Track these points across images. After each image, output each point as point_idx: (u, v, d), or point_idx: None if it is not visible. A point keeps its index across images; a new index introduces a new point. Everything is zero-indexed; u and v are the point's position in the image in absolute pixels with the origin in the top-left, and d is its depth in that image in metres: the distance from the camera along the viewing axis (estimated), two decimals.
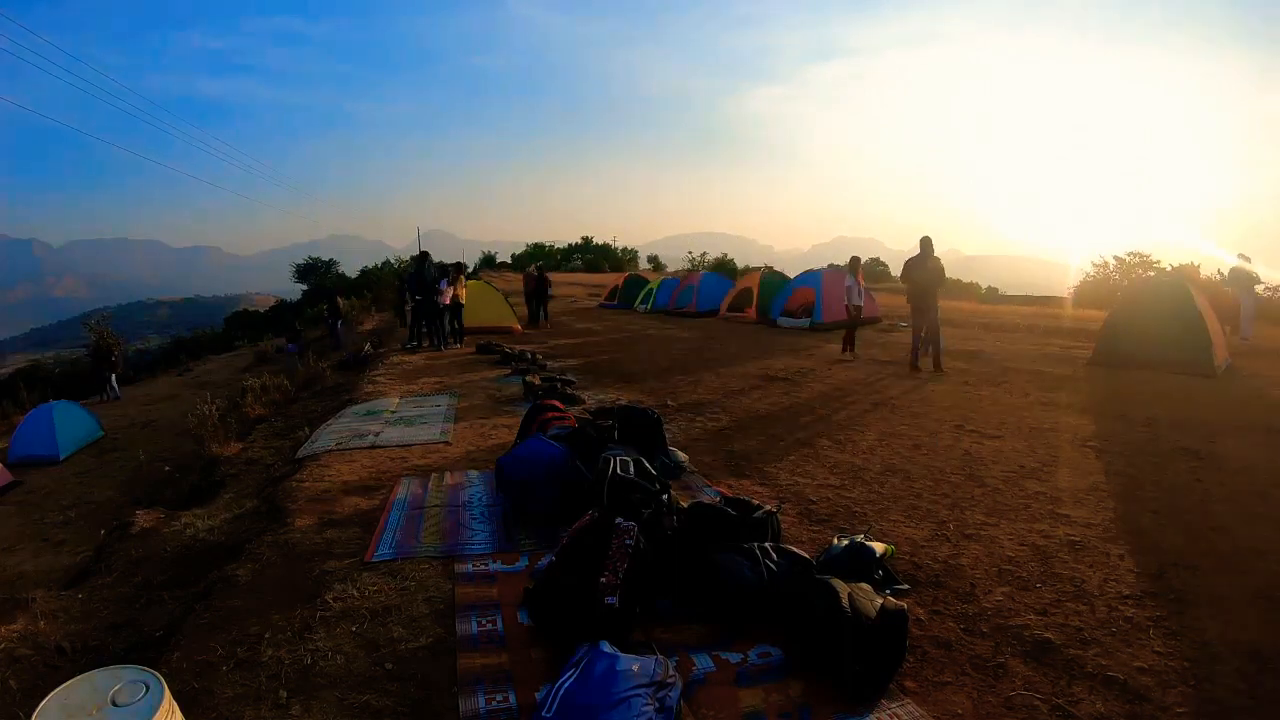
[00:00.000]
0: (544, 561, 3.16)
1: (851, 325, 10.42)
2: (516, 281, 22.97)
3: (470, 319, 13.42)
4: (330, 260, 43.45)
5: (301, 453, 5.57)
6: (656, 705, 2.09)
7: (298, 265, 42.74)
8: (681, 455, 4.94)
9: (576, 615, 2.52)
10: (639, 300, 19.82)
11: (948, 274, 10.09)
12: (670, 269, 41.73)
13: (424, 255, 12.57)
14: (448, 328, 12.11)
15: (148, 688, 1.71)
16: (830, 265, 17.94)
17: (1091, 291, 19.74)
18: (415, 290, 11.89)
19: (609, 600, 2.52)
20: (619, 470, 3.66)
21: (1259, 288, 12.79)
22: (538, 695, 2.25)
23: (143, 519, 4.70)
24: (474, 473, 4.75)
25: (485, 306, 14.35)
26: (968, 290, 26.23)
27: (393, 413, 6.75)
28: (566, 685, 2.10)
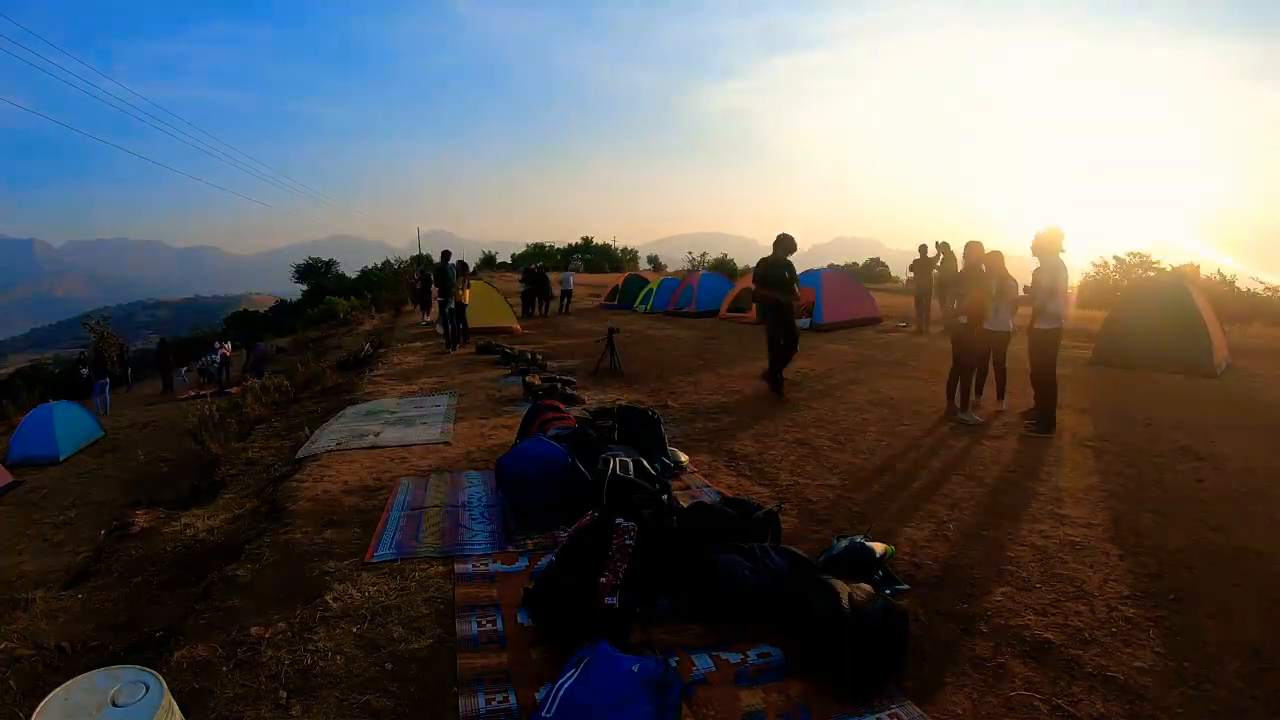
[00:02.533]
0: (544, 562, 3.17)
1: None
2: (516, 281, 23.07)
3: (470, 319, 13.51)
4: (330, 260, 43.50)
5: (301, 453, 5.57)
6: (656, 705, 2.09)
7: (298, 265, 42.77)
8: (681, 455, 4.94)
9: (576, 616, 2.52)
10: (639, 300, 19.82)
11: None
12: (670, 269, 41.75)
13: (447, 254, 12.57)
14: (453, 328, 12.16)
15: (147, 688, 1.71)
16: (830, 265, 17.91)
17: (1092, 291, 19.76)
18: (442, 289, 11.95)
19: (609, 600, 2.52)
20: (619, 470, 3.66)
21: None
22: (538, 695, 2.25)
23: (142, 519, 4.70)
24: (474, 473, 4.75)
25: (485, 306, 14.37)
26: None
27: (392, 413, 6.75)
28: (566, 685, 2.10)
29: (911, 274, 13.22)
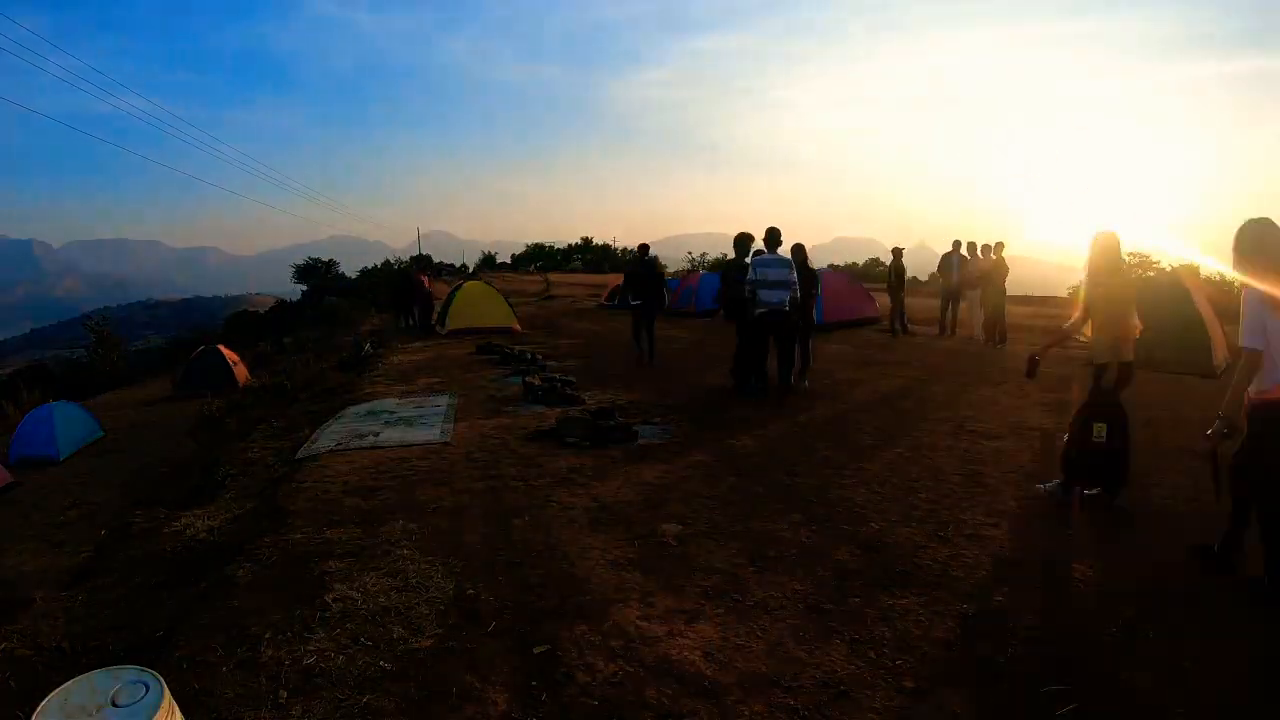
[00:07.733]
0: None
1: None
2: (515, 282, 23.04)
3: (471, 319, 13.70)
4: (330, 261, 43.48)
5: (301, 453, 5.56)
6: None
7: (298, 265, 42.75)
8: None
9: None
10: None
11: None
12: (670, 269, 41.68)
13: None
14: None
15: (148, 688, 1.70)
16: (830, 265, 17.92)
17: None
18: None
19: None
20: None
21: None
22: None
23: (142, 519, 4.70)
24: None
25: (486, 306, 14.38)
26: None
27: (392, 413, 6.75)
28: None
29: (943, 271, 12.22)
